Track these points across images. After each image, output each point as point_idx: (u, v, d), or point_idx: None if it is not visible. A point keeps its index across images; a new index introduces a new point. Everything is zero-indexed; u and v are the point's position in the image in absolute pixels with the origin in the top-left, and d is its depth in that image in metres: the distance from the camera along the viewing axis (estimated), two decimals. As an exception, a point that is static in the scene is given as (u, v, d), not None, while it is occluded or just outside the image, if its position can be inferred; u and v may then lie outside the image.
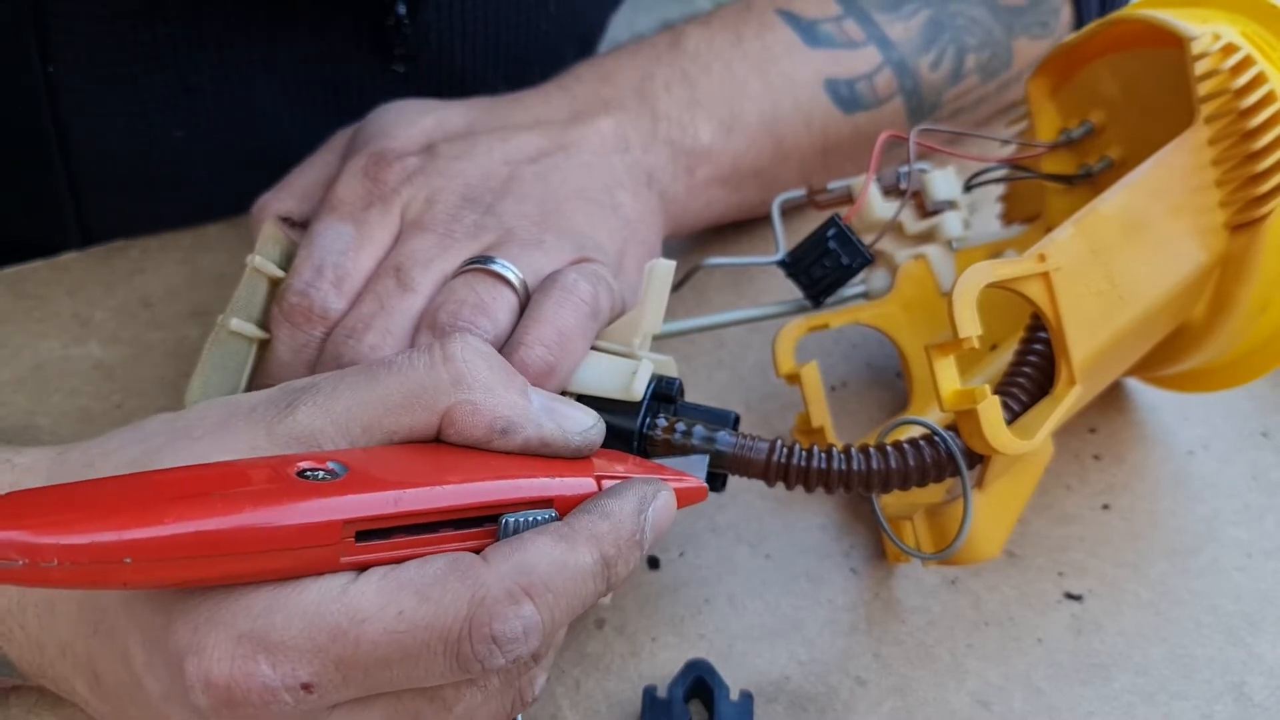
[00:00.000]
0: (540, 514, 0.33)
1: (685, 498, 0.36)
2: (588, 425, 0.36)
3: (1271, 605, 0.45)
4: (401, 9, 0.52)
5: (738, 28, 0.53)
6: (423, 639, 0.30)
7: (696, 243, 0.57)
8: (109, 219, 0.56)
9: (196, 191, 0.56)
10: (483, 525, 0.32)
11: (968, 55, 0.56)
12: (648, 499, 0.34)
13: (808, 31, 0.54)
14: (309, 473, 0.31)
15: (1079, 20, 0.60)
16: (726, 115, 0.51)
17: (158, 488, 0.29)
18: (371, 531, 0.30)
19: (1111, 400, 0.51)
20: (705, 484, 0.37)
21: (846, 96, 0.53)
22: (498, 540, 0.32)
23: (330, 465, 0.31)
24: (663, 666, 0.42)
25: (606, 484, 0.35)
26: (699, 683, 0.41)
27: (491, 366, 0.34)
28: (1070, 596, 0.45)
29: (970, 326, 0.37)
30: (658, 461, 0.38)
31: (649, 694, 0.40)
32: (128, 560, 0.27)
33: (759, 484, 0.40)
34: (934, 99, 0.56)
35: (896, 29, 0.55)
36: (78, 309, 0.53)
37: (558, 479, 0.34)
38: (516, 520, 0.32)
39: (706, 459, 0.38)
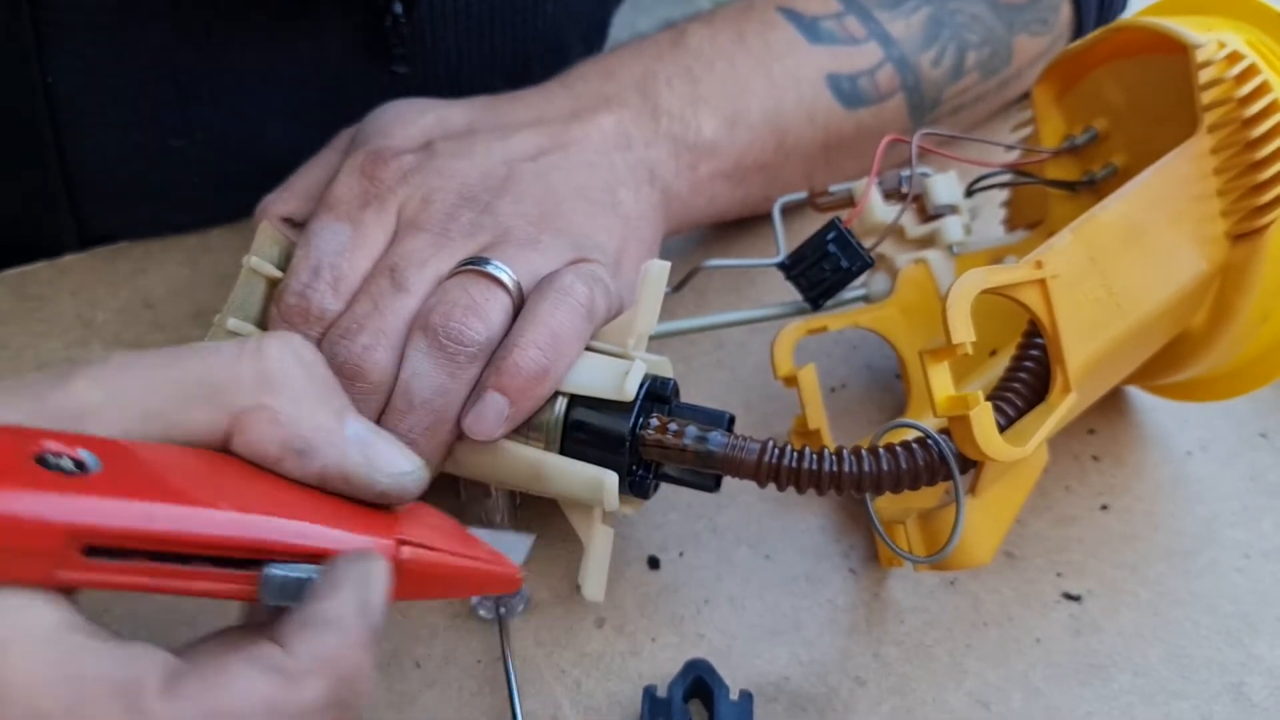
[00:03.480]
0: (306, 571, 0.27)
1: (490, 583, 0.31)
2: (403, 469, 0.31)
3: (1270, 606, 0.45)
4: (398, 8, 0.51)
5: (740, 25, 0.53)
6: None
7: (696, 244, 0.57)
8: (107, 225, 0.56)
9: (194, 199, 0.56)
10: (246, 568, 0.27)
11: (968, 52, 0.56)
12: (368, 586, 0.28)
13: (809, 28, 0.54)
14: (50, 457, 0.25)
15: (1078, 17, 0.60)
16: (730, 111, 0.51)
17: None
18: (108, 549, 0.25)
19: (1111, 402, 0.51)
20: (519, 573, 0.33)
21: (849, 92, 0.54)
22: (258, 592, 0.27)
23: (81, 454, 0.26)
24: (663, 666, 0.43)
25: (409, 552, 0.30)
26: (699, 682, 0.41)
27: (310, 375, 0.31)
28: (1069, 597, 0.45)
29: (964, 333, 0.37)
30: (479, 533, 0.33)
31: (649, 694, 0.40)
32: None
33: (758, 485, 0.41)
34: (935, 95, 0.56)
35: (897, 26, 0.55)
36: (80, 310, 0.53)
37: (346, 532, 0.28)
38: (283, 576, 0.27)
39: (533, 539, 0.35)
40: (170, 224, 0.56)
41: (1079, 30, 0.60)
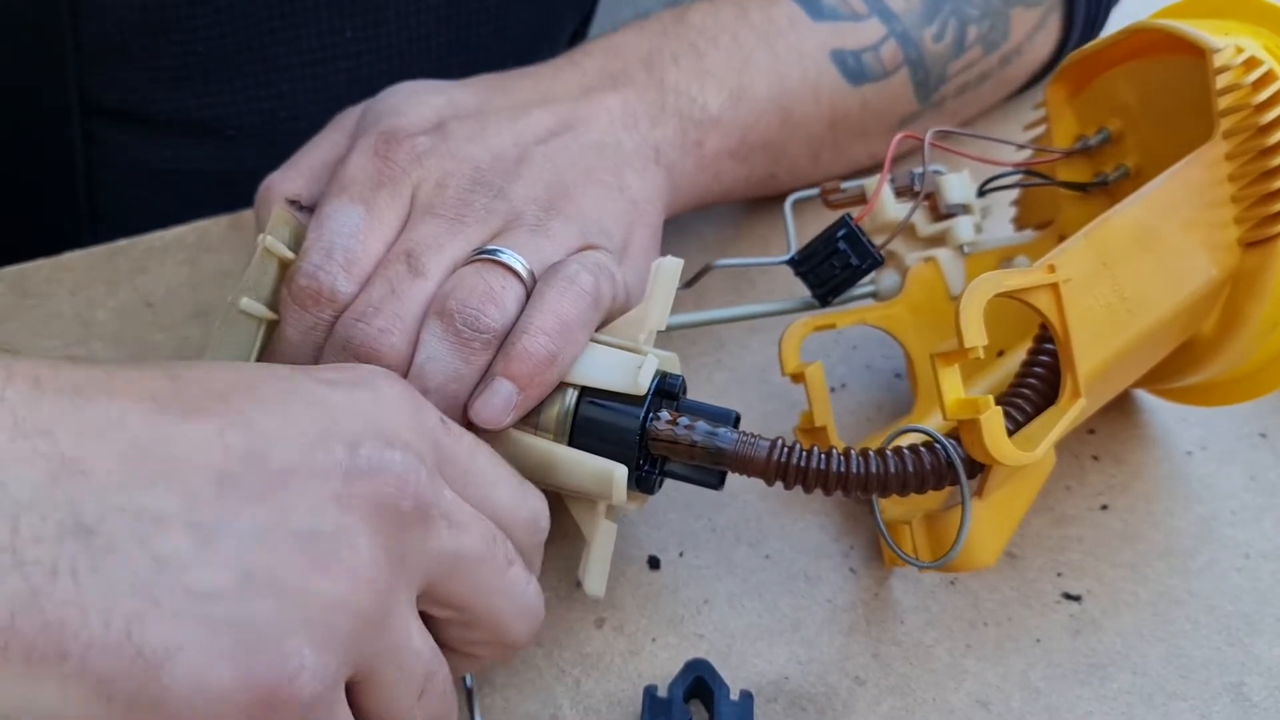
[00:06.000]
0: None
1: None
2: None
3: (1269, 606, 0.46)
4: None
5: (742, 2, 0.53)
6: None
7: (705, 243, 0.57)
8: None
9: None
10: None
11: (969, 26, 0.56)
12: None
13: (811, 5, 0.54)
14: None
15: None
16: (735, 85, 0.51)
17: None
18: None
19: (1111, 402, 0.51)
20: None
21: (854, 68, 0.54)
22: None
23: None
24: (663, 666, 0.43)
25: None
26: (699, 682, 0.41)
27: None
28: (1068, 597, 0.45)
29: (976, 337, 0.37)
30: None
31: (649, 693, 0.40)
32: None
33: (758, 484, 0.40)
34: (939, 71, 0.56)
35: (898, 1, 0.55)
36: (80, 309, 0.52)
37: None
38: None
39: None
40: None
41: (1070, 5, 0.61)
